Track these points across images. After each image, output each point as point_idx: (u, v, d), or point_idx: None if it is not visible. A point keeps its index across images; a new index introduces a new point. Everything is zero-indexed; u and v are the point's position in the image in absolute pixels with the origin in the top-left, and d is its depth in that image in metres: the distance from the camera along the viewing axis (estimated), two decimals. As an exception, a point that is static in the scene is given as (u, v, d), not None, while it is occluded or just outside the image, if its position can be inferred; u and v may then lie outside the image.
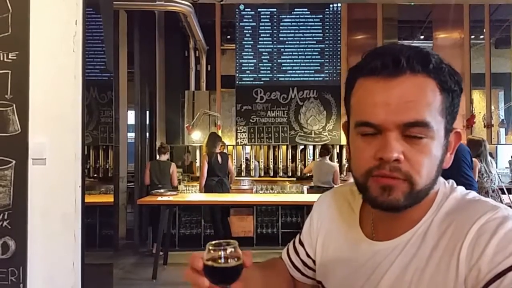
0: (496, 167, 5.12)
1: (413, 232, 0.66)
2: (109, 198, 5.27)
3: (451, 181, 0.71)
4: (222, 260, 0.62)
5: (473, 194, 0.68)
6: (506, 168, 6.59)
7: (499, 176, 4.61)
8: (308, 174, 6.19)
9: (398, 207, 0.63)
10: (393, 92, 0.61)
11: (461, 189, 0.69)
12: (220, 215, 5.37)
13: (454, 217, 0.64)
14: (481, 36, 7.09)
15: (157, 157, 5.58)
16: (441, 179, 0.69)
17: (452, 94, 0.63)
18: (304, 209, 5.72)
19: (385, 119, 0.61)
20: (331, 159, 5.85)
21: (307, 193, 5.83)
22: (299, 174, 6.89)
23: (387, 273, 0.66)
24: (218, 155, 5.28)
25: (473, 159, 4.24)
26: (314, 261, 0.84)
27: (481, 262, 0.57)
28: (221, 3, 6.70)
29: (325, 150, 5.64)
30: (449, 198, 0.67)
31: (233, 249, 0.63)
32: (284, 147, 6.89)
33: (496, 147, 6.96)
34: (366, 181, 0.64)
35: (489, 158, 4.34)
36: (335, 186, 5.43)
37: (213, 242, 0.63)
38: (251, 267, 0.65)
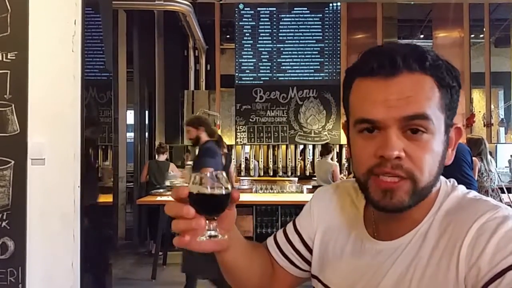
0: (496, 166, 5.11)
1: (415, 232, 0.66)
2: (108, 198, 5.26)
3: (452, 180, 0.71)
4: (209, 188, 0.57)
5: (474, 193, 0.68)
6: (505, 167, 6.59)
7: (499, 175, 4.61)
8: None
9: (403, 208, 0.63)
10: (391, 90, 0.62)
11: (462, 188, 0.69)
12: None
13: (454, 216, 0.64)
14: (481, 35, 7.09)
15: (156, 157, 5.57)
16: (442, 178, 0.69)
17: (451, 90, 0.64)
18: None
19: (385, 115, 0.61)
20: (332, 158, 5.86)
21: (307, 192, 5.83)
22: (298, 173, 6.88)
23: (388, 272, 0.66)
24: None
25: (473, 158, 4.23)
26: (310, 252, 0.82)
27: (480, 261, 0.57)
28: (221, 2, 6.69)
29: (325, 150, 5.68)
30: (450, 197, 0.67)
31: (221, 177, 0.58)
32: (284, 146, 6.89)
33: (496, 146, 6.95)
34: (367, 180, 0.64)
35: (489, 157, 4.33)
36: None
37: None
38: (235, 231, 0.68)
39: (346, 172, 6.67)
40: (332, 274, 0.76)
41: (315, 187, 5.68)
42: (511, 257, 0.55)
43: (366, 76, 0.64)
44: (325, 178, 5.51)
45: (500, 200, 4.20)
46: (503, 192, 4.33)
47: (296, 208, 5.88)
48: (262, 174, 7.03)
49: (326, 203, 0.82)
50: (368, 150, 0.63)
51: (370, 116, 0.62)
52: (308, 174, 6.83)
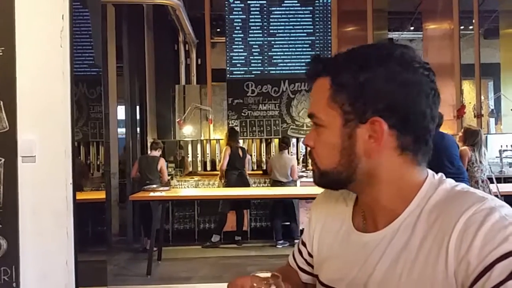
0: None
1: (399, 222, 0.68)
2: (101, 195, 5.23)
3: (440, 173, 0.72)
4: None
5: (462, 185, 0.69)
6: (496, 157, 6.66)
7: (490, 167, 4.67)
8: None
9: (317, 184, 0.77)
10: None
11: (450, 181, 0.70)
12: (228, 208, 5.45)
13: (442, 209, 0.65)
14: (470, 27, 7.12)
15: (149, 152, 5.55)
16: (429, 171, 0.71)
17: (346, 87, 0.69)
18: (297, 203, 5.73)
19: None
20: (289, 152, 5.91)
21: (301, 186, 5.84)
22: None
23: (378, 265, 0.67)
24: (240, 149, 5.45)
25: (463, 147, 4.29)
26: None
27: (470, 255, 0.57)
28: (210, -5, 6.64)
29: (285, 144, 5.73)
30: (438, 190, 0.68)
31: (277, 284, 0.65)
32: (276, 140, 6.88)
33: (486, 137, 7.02)
34: None
35: (483, 149, 4.39)
36: (293, 180, 5.57)
37: (258, 273, 0.66)
38: None
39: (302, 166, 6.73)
40: (326, 270, 0.78)
41: (276, 182, 5.63)
42: (499, 249, 0.56)
43: None
44: (284, 172, 5.56)
45: (489, 191, 4.26)
46: (492, 182, 4.39)
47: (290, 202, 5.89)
48: (255, 168, 7.03)
49: (321, 205, 0.86)
50: None
51: None
52: (300, 167, 6.83)
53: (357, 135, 0.68)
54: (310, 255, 0.86)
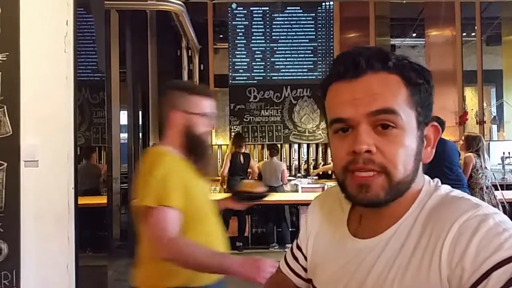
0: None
1: (394, 229, 0.67)
2: (103, 200, 5.23)
3: (436, 179, 0.71)
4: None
5: (457, 192, 0.68)
6: (498, 164, 6.63)
7: (493, 173, 4.65)
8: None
9: (379, 202, 0.64)
10: (358, 89, 0.65)
11: (445, 187, 0.69)
12: (230, 214, 5.47)
13: (436, 214, 0.64)
14: (473, 34, 7.13)
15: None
16: (426, 177, 0.70)
17: (420, 88, 0.66)
18: (299, 208, 5.72)
19: (353, 112, 0.64)
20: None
21: (302, 191, 5.83)
22: (293, 173, 6.89)
23: (372, 271, 0.66)
24: (241, 155, 5.45)
25: (468, 154, 4.27)
26: None
27: (464, 261, 0.57)
28: (213, 2, 6.68)
29: (275, 150, 5.81)
30: (432, 196, 0.67)
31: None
32: (278, 146, 6.88)
33: (489, 143, 7.00)
34: (345, 178, 0.66)
35: (486, 154, 4.37)
36: (283, 184, 5.67)
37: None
38: None
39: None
40: (321, 276, 0.77)
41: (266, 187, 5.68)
42: (494, 257, 0.55)
43: (336, 80, 0.68)
44: (275, 177, 5.61)
45: (494, 197, 4.24)
46: (496, 189, 4.36)
47: (291, 208, 5.88)
48: (256, 173, 7.01)
49: (317, 209, 0.85)
50: (342, 148, 0.66)
51: (340, 115, 0.66)
52: (303, 172, 6.83)
53: (422, 139, 0.67)
54: (306, 259, 0.85)
